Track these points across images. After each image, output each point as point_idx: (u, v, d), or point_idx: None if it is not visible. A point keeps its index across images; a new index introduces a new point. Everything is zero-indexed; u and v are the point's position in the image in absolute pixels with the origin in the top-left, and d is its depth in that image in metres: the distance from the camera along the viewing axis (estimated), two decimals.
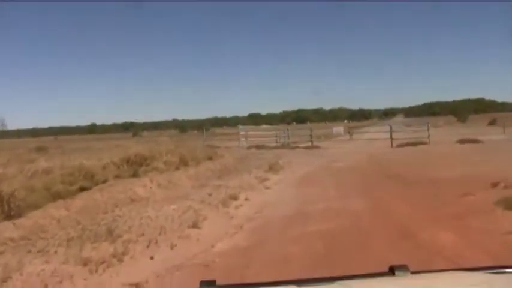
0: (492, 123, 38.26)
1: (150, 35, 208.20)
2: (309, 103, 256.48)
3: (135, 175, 12.09)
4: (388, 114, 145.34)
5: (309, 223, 6.45)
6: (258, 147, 24.19)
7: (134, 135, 45.33)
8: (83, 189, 10.08)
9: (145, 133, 36.29)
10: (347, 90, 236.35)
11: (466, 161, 12.38)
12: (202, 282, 1.19)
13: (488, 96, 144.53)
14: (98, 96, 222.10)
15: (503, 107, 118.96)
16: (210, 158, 17.31)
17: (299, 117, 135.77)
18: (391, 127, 21.38)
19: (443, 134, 21.86)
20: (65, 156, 16.20)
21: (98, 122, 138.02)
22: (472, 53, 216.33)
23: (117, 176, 11.79)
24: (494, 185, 7.91)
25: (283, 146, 24.64)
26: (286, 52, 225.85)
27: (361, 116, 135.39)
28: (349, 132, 22.70)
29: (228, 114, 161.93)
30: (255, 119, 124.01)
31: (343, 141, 23.33)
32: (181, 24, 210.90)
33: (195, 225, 6.41)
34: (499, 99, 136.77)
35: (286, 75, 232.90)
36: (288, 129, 31.04)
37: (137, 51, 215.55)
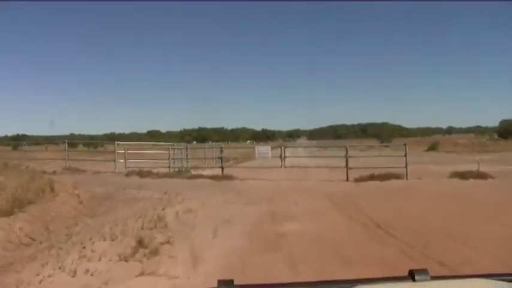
0: (433, 148, 34.18)
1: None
2: (210, 122, 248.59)
3: None
4: (292, 135, 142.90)
5: None
6: (142, 174, 16.15)
7: (14, 148, 39.97)
8: None
9: (25, 147, 30.20)
10: (249, 110, 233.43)
11: None
12: (219, 282, 1.12)
13: (391, 121, 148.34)
14: None
15: (408, 132, 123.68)
16: (30, 202, 8.75)
17: (200, 135, 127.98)
18: (346, 149, 13.91)
19: (398, 162, 14.57)
20: None
21: None
22: (373, 80, 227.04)
23: None
24: None
25: (179, 173, 16.87)
26: (187, 70, 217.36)
27: (264, 136, 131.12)
28: (280, 156, 14.92)
29: (126, 130, 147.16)
30: (154, 137, 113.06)
31: (266, 169, 15.58)
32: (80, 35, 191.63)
33: None
34: (404, 125, 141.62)
35: (187, 92, 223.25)
36: (186, 148, 22.96)
37: (36, 60, 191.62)
